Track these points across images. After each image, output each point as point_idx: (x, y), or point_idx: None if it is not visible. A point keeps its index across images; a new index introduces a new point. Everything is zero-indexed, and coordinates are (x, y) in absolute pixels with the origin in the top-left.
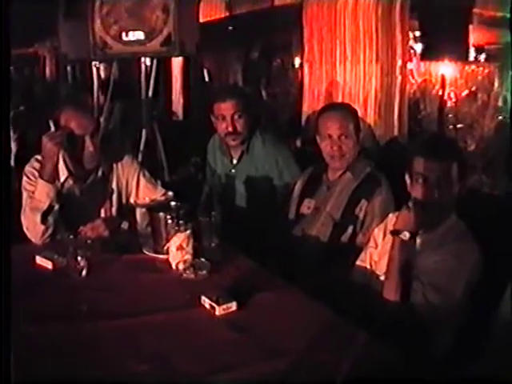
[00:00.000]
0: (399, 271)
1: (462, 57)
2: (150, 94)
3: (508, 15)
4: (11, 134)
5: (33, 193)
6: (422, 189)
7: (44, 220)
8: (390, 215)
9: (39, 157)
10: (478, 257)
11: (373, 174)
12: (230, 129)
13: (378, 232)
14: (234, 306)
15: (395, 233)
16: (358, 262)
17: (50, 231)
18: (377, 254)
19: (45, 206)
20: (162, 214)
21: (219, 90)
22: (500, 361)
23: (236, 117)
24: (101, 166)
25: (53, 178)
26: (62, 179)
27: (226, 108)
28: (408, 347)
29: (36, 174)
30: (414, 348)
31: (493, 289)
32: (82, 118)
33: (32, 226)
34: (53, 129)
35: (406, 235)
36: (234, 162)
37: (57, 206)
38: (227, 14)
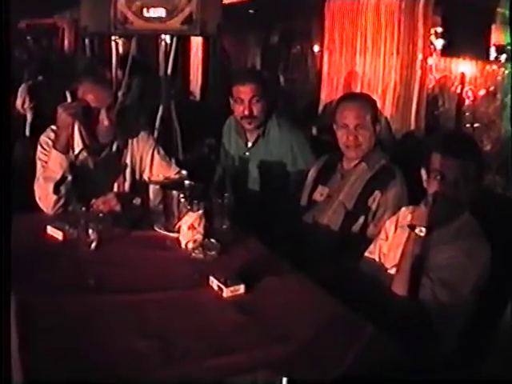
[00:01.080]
0: (411, 266)
1: (483, 56)
2: (169, 72)
3: None
4: (27, 103)
5: (46, 163)
6: (439, 186)
7: (56, 190)
8: (403, 209)
9: (55, 127)
10: (489, 255)
11: (388, 166)
12: (247, 112)
13: (389, 225)
14: (241, 288)
15: (412, 227)
16: (366, 254)
17: (61, 202)
18: (386, 247)
19: (58, 176)
20: (175, 192)
21: (239, 73)
22: (506, 361)
23: (254, 101)
24: (116, 141)
25: (66, 148)
26: (76, 151)
27: (244, 91)
28: (413, 342)
29: (51, 144)
30: (419, 344)
31: (502, 288)
32: (100, 90)
33: (44, 196)
34: (69, 100)
35: (422, 231)
36: (249, 145)
37: (70, 177)
38: None
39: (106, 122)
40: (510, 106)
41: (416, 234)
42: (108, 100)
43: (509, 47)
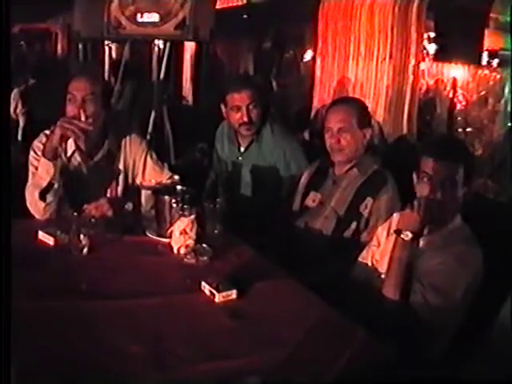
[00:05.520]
0: (400, 271)
1: (475, 61)
2: (162, 76)
3: None
4: (20, 107)
5: (36, 169)
6: (426, 188)
7: (42, 197)
8: (395, 214)
9: (48, 132)
10: (481, 261)
11: (379, 172)
12: (246, 119)
13: (381, 231)
14: (234, 293)
15: (397, 232)
16: (359, 259)
17: (51, 208)
18: (379, 253)
19: (44, 184)
20: (167, 197)
21: (233, 80)
22: (496, 364)
23: (251, 107)
24: (108, 145)
25: (55, 155)
26: (69, 153)
27: (241, 99)
28: (405, 346)
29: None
30: (411, 347)
31: (494, 294)
32: (80, 80)
33: (34, 202)
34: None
35: (408, 235)
36: (242, 149)
37: (56, 185)
38: (244, 1)
39: (78, 111)
40: (502, 110)
41: (402, 239)
42: (84, 90)
43: (501, 52)
